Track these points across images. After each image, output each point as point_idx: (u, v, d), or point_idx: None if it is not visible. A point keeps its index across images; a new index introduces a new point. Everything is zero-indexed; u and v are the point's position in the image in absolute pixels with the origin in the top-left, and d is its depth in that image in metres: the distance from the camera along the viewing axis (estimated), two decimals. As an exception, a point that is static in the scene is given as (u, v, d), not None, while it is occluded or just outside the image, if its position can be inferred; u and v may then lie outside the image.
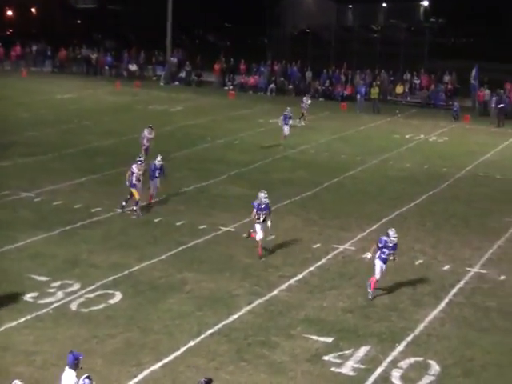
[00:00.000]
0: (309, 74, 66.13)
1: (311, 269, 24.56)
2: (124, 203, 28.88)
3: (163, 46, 71.09)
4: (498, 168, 40.65)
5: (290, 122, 42.84)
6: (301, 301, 22.03)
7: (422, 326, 20.87)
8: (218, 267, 24.23)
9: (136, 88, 64.32)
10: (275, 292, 22.57)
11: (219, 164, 37.83)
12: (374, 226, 29.00)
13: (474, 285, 24.07)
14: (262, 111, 54.98)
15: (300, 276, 23.89)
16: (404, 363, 18.77)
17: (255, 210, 24.63)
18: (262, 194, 24.65)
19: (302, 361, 18.54)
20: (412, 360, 18.95)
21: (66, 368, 14.15)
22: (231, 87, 66.40)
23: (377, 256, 21.80)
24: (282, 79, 66.93)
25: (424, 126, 51.72)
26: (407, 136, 48.26)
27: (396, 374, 18.23)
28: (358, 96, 58.49)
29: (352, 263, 25.37)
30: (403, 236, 27.56)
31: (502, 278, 24.76)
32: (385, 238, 20.93)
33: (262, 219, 24.61)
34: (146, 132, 36.64)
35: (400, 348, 19.50)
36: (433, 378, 18.21)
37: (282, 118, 42.75)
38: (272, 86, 64.95)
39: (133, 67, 69.99)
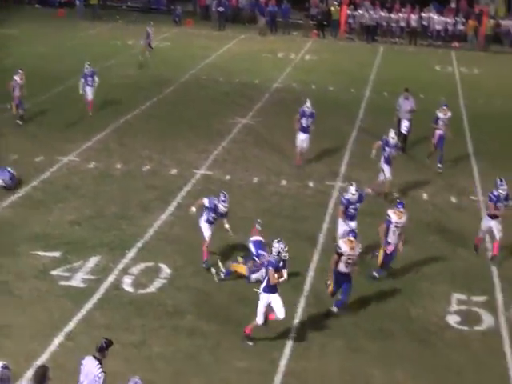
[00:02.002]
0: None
1: (34, 183, 24.00)
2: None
3: None
4: (221, 71, 41.26)
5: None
6: (25, 217, 21.51)
7: (151, 232, 21.08)
8: None
9: None
10: (-3, 210, 21.98)
11: None
12: (100, 135, 28.78)
13: (201, 186, 24.56)
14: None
15: (22, 191, 23.31)
16: (135, 269, 18.92)
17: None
18: None
19: (29, 278, 18.16)
20: (143, 265, 19.13)
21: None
22: None
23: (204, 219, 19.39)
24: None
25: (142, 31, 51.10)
26: (129, 42, 47.92)
27: (127, 281, 18.34)
28: (77, 2, 56.92)
29: (77, 174, 25.04)
30: (131, 143, 27.65)
31: (228, 177, 25.46)
32: (215, 202, 18.89)
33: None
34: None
35: (130, 255, 19.59)
36: (164, 281, 18.51)
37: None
38: None
39: None
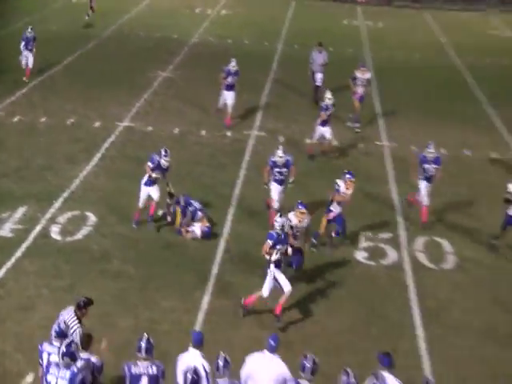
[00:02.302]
0: None
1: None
2: None
3: None
4: (141, 26, 40.59)
5: None
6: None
7: (77, 182, 20.87)
8: None
9: None
10: None
11: None
12: (24, 90, 28.29)
13: (123, 138, 24.34)
14: None
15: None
16: (62, 218, 18.76)
17: None
18: None
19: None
20: (70, 214, 18.97)
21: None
22: None
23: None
24: None
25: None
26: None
27: (55, 230, 18.17)
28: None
29: (2, 128, 24.64)
30: (55, 97, 27.19)
31: (150, 129, 25.24)
32: (157, 158, 18.06)
33: None
34: None
35: (57, 205, 19.41)
36: (90, 228, 18.39)
37: None
38: None
39: None
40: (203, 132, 25.28)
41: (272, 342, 11.23)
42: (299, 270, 16.37)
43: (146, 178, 18.16)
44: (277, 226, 14.98)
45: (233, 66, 25.11)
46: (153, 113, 26.89)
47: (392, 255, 18.14)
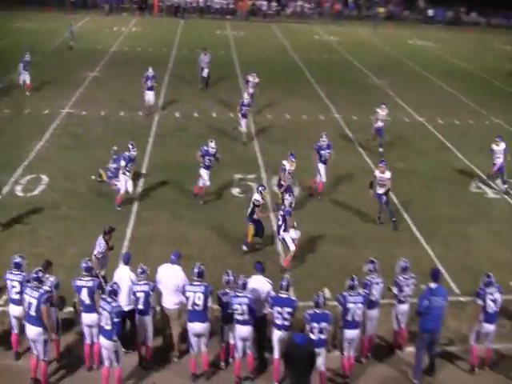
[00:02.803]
0: None
1: None
2: None
3: None
4: (78, 40, 38.21)
5: None
6: None
7: (33, 153, 19.62)
8: None
9: None
10: None
11: None
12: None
13: (66, 120, 22.99)
14: None
15: None
16: (23, 180, 17.62)
17: None
18: None
19: None
20: (29, 177, 17.83)
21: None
22: None
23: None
24: None
25: None
26: None
27: (18, 189, 17.09)
28: None
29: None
30: (17, 94, 25.59)
31: (84, 113, 23.93)
32: (127, 154, 16.09)
33: None
34: None
35: (20, 171, 18.18)
36: (44, 186, 17.38)
37: None
38: None
39: None
40: (122, 113, 24.14)
41: (173, 257, 10.85)
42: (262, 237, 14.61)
43: (121, 172, 16.02)
44: (286, 203, 13.88)
45: (150, 72, 23.43)
46: (85, 101, 25.46)
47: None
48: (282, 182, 16.27)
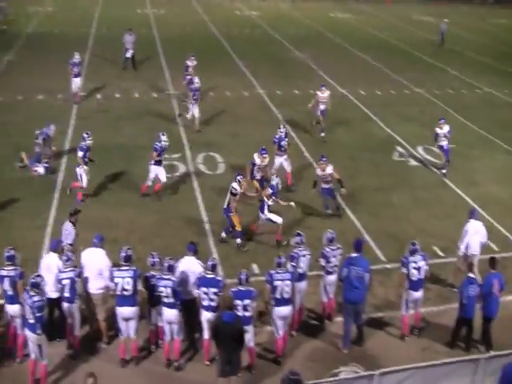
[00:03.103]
0: None
1: None
2: None
3: None
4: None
5: None
6: None
7: None
8: None
9: None
10: None
11: None
12: None
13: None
14: None
15: None
16: None
17: None
18: None
19: None
20: None
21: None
22: None
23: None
24: None
25: None
26: None
27: None
28: None
29: None
30: None
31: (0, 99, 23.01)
32: (84, 142, 15.17)
33: None
34: None
35: None
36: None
37: None
38: None
39: None
40: (40, 97, 23.14)
41: (95, 240, 10.60)
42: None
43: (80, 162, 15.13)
44: (274, 183, 13.69)
45: (76, 58, 22.28)
46: (1, 87, 24.11)
47: (182, 168, 17.56)
48: (257, 177, 15.41)
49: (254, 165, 15.38)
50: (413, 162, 18.94)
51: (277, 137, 16.45)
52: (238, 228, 13.40)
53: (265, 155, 15.23)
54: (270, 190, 13.61)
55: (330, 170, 14.80)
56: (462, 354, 10.28)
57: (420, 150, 19.74)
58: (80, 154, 15.05)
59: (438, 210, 15.82)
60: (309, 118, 20.99)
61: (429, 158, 19.16)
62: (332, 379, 8.27)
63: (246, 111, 22.51)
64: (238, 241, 13.49)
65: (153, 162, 15.37)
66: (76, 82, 22.55)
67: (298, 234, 10.93)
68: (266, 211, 13.58)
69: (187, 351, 10.50)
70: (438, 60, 32.66)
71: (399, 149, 19.82)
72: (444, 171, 17.97)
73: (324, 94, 20.14)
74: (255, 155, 15.36)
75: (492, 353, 9.09)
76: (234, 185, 13.36)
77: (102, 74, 26.36)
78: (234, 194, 13.29)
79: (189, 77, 21.51)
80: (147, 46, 31.56)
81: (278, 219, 13.60)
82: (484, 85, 28.21)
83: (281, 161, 16.40)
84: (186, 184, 16.62)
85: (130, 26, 29.23)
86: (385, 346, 10.85)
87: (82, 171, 15.15)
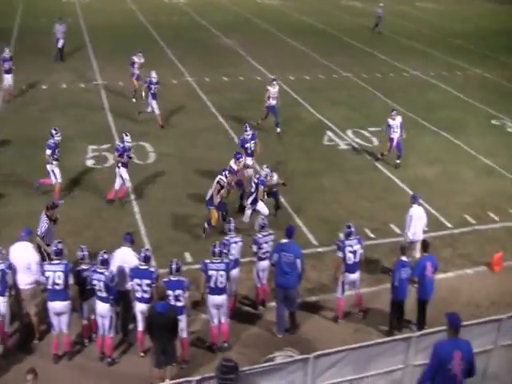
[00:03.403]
0: None
1: None
2: None
3: None
4: None
5: None
6: None
7: None
8: None
9: None
10: None
11: None
12: None
13: None
14: None
15: None
16: None
17: None
18: None
19: None
20: None
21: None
22: None
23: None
24: None
25: None
26: None
27: None
28: None
29: None
30: None
31: None
32: (52, 140, 14.45)
33: None
34: None
35: None
36: None
37: None
38: None
39: None
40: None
41: (23, 233, 10.30)
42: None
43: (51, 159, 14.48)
44: (263, 174, 13.66)
45: (7, 53, 21.17)
46: None
47: (111, 159, 16.94)
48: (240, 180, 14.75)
49: (236, 172, 14.26)
50: (342, 146, 19.15)
51: (242, 138, 15.78)
52: (214, 223, 13.32)
53: (240, 159, 14.40)
54: (261, 187, 13.64)
55: (276, 178, 14.31)
56: (394, 334, 10.47)
57: (349, 133, 20.00)
58: (48, 152, 14.36)
59: (368, 193, 16.06)
60: (238, 105, 20.94)
61: (358, 140, 19.44)
62: (267, 364, 8.26)
63: (175, 99, 22.23)
64: (206, 225, 13.42)
65: (120, 164, 14.66)
66: (7, 79, 21.44)
67: (229, 221, 10.90)
68: (249, 202, 13.75)
69: (121, 344, 10.32)
70: (366, 45, 33.15)
71: (329, 133, 20.01)
72: (398, 161, 17.75)
73: (275, 89, 19.35)
74: (231, 162, 14.29)
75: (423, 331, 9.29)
76: (222, 177, 13.15)
77: (28, 65, 25.42)
78: (221, 186, 13.11)
79: (137, 72, 21.60)
80: (74, 35, 30.73)
81: (266, 210, 13.65)
82: (411, 68, 28.82)
83: (250, 160, 15.70)
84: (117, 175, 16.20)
85: (56, 15, 28.39)
86: (319, 329, 10.93)
87: (52, 167, 14.53)
